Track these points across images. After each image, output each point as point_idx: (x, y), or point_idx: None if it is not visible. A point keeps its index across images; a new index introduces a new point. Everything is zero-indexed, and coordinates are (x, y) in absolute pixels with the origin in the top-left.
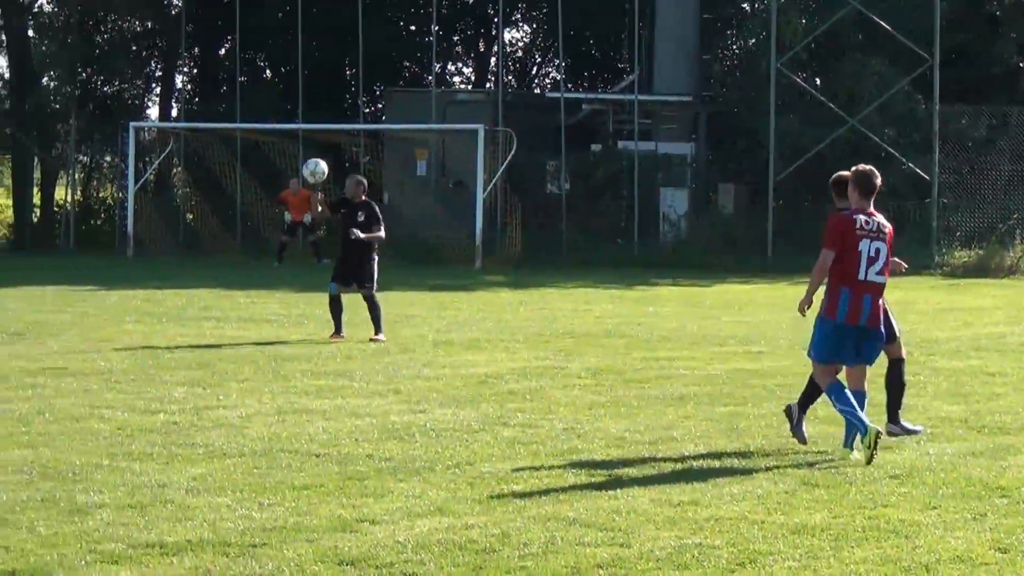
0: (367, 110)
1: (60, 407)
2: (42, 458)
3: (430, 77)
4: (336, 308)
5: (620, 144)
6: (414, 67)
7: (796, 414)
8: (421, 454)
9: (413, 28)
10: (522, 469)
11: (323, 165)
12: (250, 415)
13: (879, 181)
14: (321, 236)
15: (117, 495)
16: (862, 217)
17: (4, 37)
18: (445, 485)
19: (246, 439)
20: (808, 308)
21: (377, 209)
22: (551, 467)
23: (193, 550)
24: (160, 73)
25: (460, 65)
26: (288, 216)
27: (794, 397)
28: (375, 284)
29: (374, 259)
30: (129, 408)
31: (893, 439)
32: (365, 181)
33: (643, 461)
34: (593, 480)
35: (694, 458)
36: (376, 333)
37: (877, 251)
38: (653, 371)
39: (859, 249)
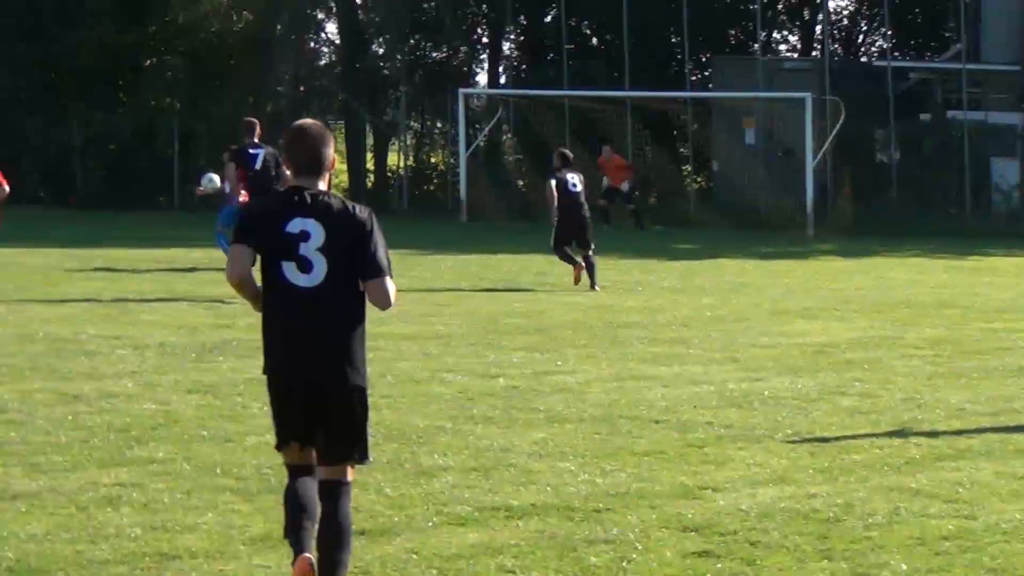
0: (693, 78)
1: (402, 370)
2: (386, 420)
3: (756, 45)
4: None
5: (949, 114)
6: (739, 35)
7: None
8: (760, 422)
9: None
10: (862, 438)
11: (216, 180)
12: (589, 380)
13: None
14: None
15: (461, 458)
16: None
17: (333, 4)
18: (786, 454)
19: (585, 404)
20: None
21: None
22: (891, 437)
23: (538, 514)
24: (487, 40)
25: (785, 33)
26: (606, 181)
27: None
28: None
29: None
30: (469, 372)
31: None
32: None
33: (984, 432)
34: (934, 451)
35: None
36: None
37: None
38: (991, 342)
39: None
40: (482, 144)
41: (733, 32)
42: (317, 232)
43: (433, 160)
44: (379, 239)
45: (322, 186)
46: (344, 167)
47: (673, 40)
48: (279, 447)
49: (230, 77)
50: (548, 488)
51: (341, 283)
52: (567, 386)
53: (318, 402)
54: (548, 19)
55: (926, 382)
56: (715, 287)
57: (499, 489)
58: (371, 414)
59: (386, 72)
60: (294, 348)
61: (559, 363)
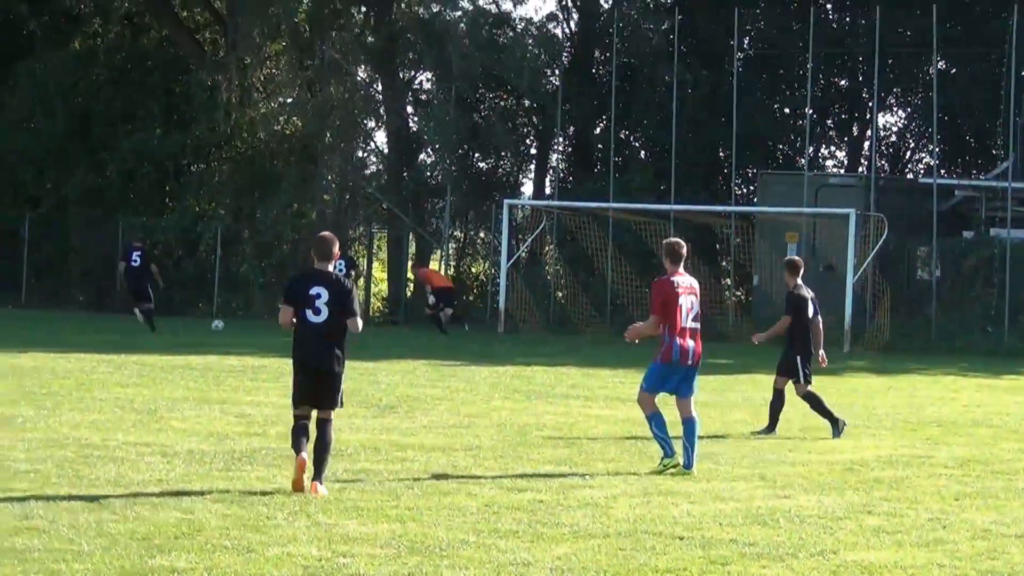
0: (739, 192)
1: (428, 481)
2: (410, 532)
3: (803, 160)
4: None
5: (992, 231)
6: (787, 150)
7: None
8: (785, 540)
9: (787, 111)
10: (886, 558)
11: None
12: (615, 495)
13: None
14: None
15: (482, 572)
16: None
17: (384, 114)
18: (808, 572)
19: (611, 520)
20: None
21: None
22: (915, 557)
23: None
24: (535, 151)
25: (833, 148)
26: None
27: None
28: None
29: None
30: (496, 485)
31: None
32: None
33: (1009, 554)
34: (957, 571)
35: None
36: None
37: None
38: (1021, 462)
39: None
40: (523, 254)
41: (782, 147)
42: (324, 293)
43: (474, 270)
44: (355, 296)
45: (330, 268)
46: (384, 275)
47: (722, 153)
48: (295, 405)
49: (276, 183)
50: None
51: (335, 320)
52: (593, 500)
53: (318, 378)
54: (597, 131)
55: (953, 502)
56: (747, 402)
57: None
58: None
59: (433, 181)
60: (312, 353)
61: (587, 477)
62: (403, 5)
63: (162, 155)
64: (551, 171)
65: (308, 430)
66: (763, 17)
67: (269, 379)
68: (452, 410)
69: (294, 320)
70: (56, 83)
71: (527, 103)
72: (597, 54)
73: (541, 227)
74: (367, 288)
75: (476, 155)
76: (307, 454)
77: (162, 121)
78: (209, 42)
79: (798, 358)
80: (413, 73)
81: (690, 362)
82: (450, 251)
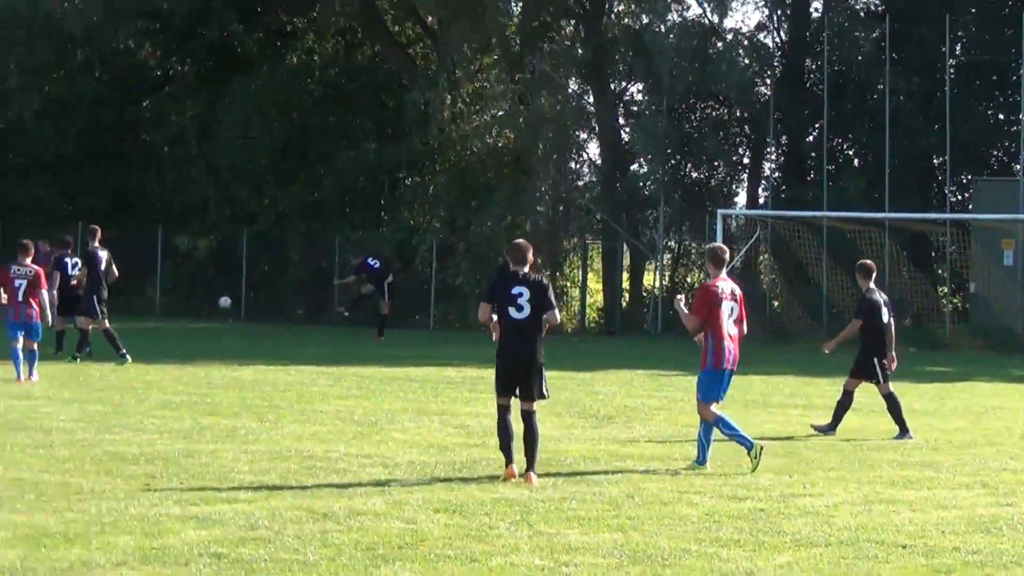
0: (954, 199)
1: (648, 491)
2: (631, 542)
3: (1018, 166)
4: None
5: None
6: (1002, 156)
7: None
8: (1008, 548)
9: (1001, 117)
10: None
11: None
12: (836, 504)
13: None
14: None
15: None
16: None
17: (596, 125)
18: None
19: (832, 528)
20: None
21: None
22: None
23: None
24: (748, 160)
25: None
26: None
27: None
28: None
29: None
30: (716, 494)
31: None
32: None
33: None
34: None
35: None
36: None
37: None
38: None
39: None
40: (738, 264)
41: (997, 153)
42: (525, 292)
43: (689, 279)
44: (551, 293)
45: (526, 270)
46: (599, 286)
47: (936, 160)
48: (499, 395)
49: (489, 195)
50: None
51: (534, 316)
52: (814, 509)
53: (522, 367)
54: (810, 139)
55: None
56: (967, 410)
57: None
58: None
59: (646, 192)
60: (513, 345)
61: (807, 485)
62: (613, 17)
63: (377, 169)
64: (764, 180)
65: (511, 426)
66: (974, 23)
67: (487, 390)
68: (670, 420)
69: (493, 316)
70: (272, 99)
71: (739, 113)
72: (808, 63)
73: (755, 236)
74: (582, 298)
75: (688, 165)
76: (515, 464)
77: (376, 135)
78: (421, 56)
79: (874, 359)
80: (624, 84)
81: (732, 366)
82: (665, 261)
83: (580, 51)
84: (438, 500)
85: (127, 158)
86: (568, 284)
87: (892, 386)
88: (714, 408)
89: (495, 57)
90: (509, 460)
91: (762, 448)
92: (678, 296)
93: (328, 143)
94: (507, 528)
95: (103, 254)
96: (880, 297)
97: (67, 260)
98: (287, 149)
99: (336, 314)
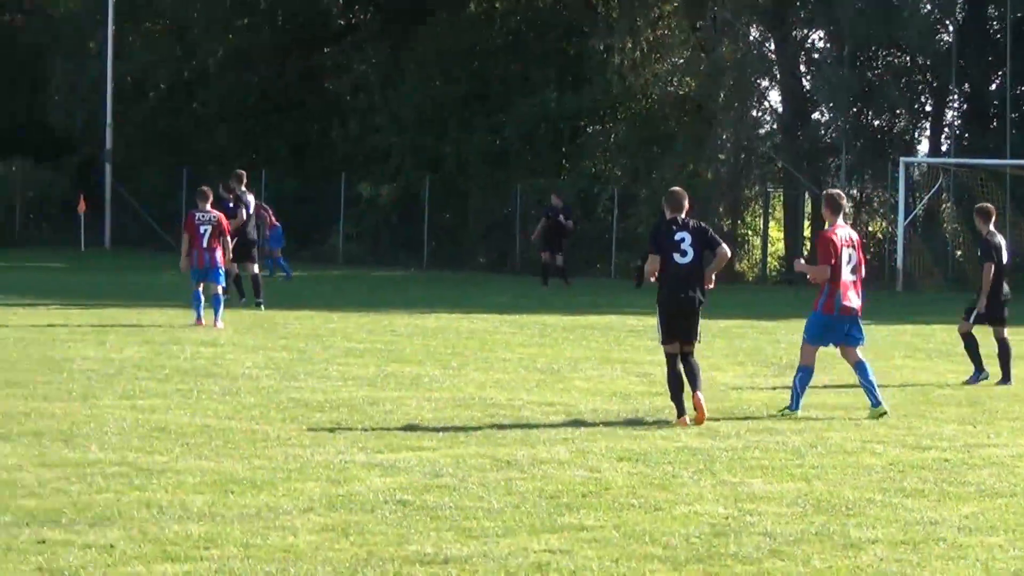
0: None
1: (832, 441)
2: (815, 491)
3: None
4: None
5: None
6: None
7: None
8: None
9: None
10: None
11: None
12: (1021, 454)
13: None
14: None
15: (889, 531)
16: None
17: (777, 73)
18: None
19: (1017, 478)
20: None
21: None
22: None
23: None
24: (930, 108)
25: None
26: None
27: None
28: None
29: None
30: (900, 443)
31: None
32: None
33: None
34: None
35: None
36: None
37: None
38: None
39: None
40: (920, 213)
41: None
42: (687, 237)
43: (871, 229)
44: (711, 232)
45: (682, 216)
46: (780, 235)
47: None
48: (665, 343)
49: (670, 144)
50: (977, 563)
51: (698, 260)
52: (999, 459)
53: (686, 313)
54: (993, 87)
55: None
56: None
57: (927, 563)
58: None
59: (827, 140)
60: (678, 289)
61: (991, 436)
62: None
63: (558, 117)
64: (946, 128)
65: (681, 375)
66: None
67: None
68: (851, 369)
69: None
70: (453, 47)
71: (920, 60)
72: (991, 10)
73: (938, 185)
74: (763, 247)
75: (870, 113)
76: (687, 415)
77: (557, 84)
78: (602, 4)
79: (980, 298)
80: (805, 32)
81: (851, 313)
82: (847, 210)
83: None
84: (621, 449)
85: (309, 107)
86: (749, 233)
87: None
88: (859, 353)
89: (675, 4)
90: (681, 411)
91: (885, 413)
92: (797, 259)
93: (509, 91)
94: (690, 477)
95: (250, 198)
96: (1000, 240)
97: (229, 205)
98: (468, 97)
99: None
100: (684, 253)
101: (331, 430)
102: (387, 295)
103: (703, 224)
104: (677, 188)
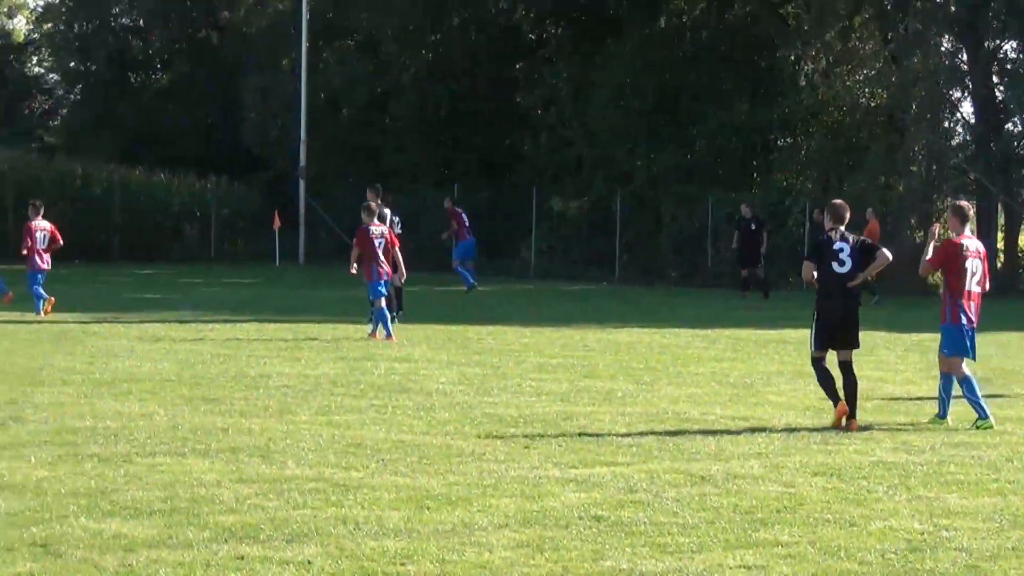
0: None
1: None
2: (1012, 506)
3: None
4: None
5: None
6: None
7: None
8: None
9: None
10: None
11: None
12: None
13: None
14: None
15: None
16: None
17: (969, 84)
18: None
19: None
20: None
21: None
22: None
23: None
24: None
25: None
26: None
27: None
28: None
29: None
30: None
31: None
32: None
33: None
34: None
35: None
36: None
37: None
38: None
39: None
40: None
41: None
42: (846, 247)
43: None
44: (870, 242)
45: (843, 228)
46: None
47: None
48: (816, 350)
49: (862, 156)
50: None
51: (856, 270)
52: None
53: (844, 322)
54: None
55: None
56: None
57: None
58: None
59: (1020, 151)
60: (835, 300)
61: None
62: None
63: (749, 130)
64: None
65: (829, 371)
66: None
67: (865, 352)
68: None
69: (814, 274)
70: (644, 61)
71: None
72: None
73: None
74: None
75: None
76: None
77: (747, 96)
78: (792, 16)
79: None
80: (997, 42)
81: (970, 325)
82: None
83: (953, 8)
84: (815, 463)
85: (501, 120)
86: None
87: None
88: (964, 368)
89: (866, 16)
90: (837, 399)
91: (991, 427)
92: (933, 228)
93: (699, 104)
94: (885, 492)
95: (387, 211)
96: None
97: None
98: (658, 110)
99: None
100: (843, 263)
101: (525, 445)
102: (579, 309)
103: (863, 237)
104: (838, 200)
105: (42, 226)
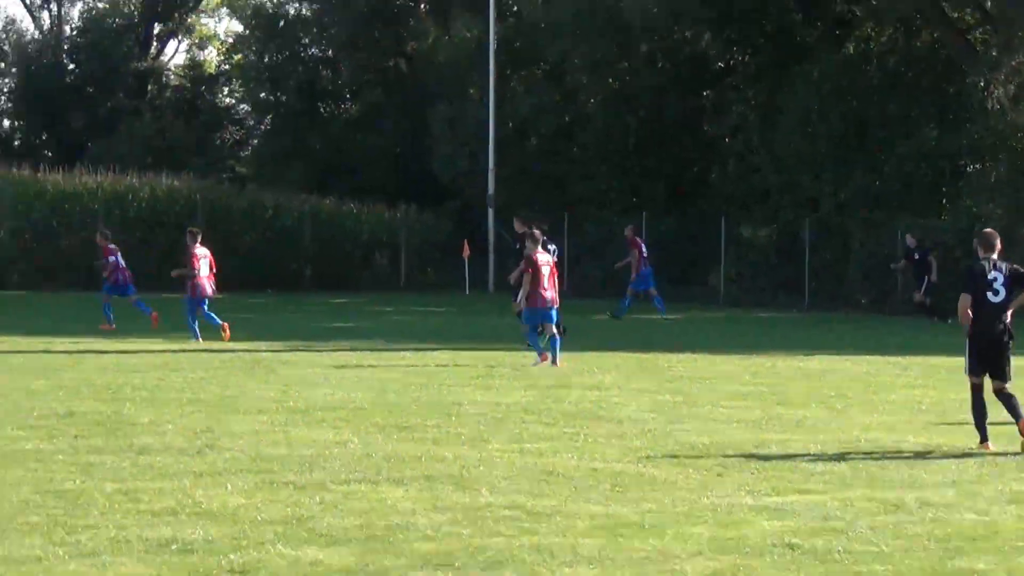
0: None
1: None
2: None
3: None
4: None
5: None
6: None
7: None
8: None
9: None
10: None
11: None
12: None
13: None
14: None
15: None
16: None
17: None
18: None
19: None
20: None
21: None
22: None
23: None
24: None
25: None
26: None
27: None
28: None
29: None
30: None
31: None
32: None
33: None
34: None
35: None
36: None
37: None
38: None
39: None
40: None
41: None
42: (999, 276)
43: None
44: (1020, 270)
45: (995, 256)
46: None
47: None
48: (971, 375)
49: None
50: None
51: (1009, 299)
52: None
53: (995, 349)
54: None
55: None
56: None
57: None
58: None
59: None
60: (989, 327)
61: None
62: None
63: (937, 156)
64: None
65: (985, 404)
66: None
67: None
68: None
69: (969, 312)
70: (831, 87)
71: None
72: None
73: None
74: None
75: None
76: (989, 440)
77: (935, 122)
78: (979, 42)
79: None
80: None
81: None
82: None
83: None
84: (1011, 491)
85: (688, 148)
86: None
87: None
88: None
89: None
90: (984, 438)
91: None
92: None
93: (887, 131)
94: None
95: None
96: None
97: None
98: (846, 137)
99: (900, 303)
100: (996, 292)
101: (718, 473)
102: (769, 336)
103: (1013, 265)
104: (990, 229)
105: (202, 253)
